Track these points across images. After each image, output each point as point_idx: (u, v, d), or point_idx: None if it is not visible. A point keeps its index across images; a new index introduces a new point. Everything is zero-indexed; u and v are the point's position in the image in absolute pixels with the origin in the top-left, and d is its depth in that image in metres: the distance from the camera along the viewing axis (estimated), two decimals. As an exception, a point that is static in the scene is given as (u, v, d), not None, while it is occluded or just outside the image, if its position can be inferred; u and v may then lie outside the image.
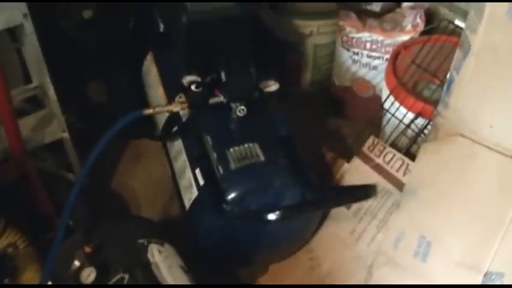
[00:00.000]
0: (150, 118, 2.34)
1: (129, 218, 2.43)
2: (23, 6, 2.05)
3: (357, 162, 2.38)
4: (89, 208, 2.35)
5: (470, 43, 1.84)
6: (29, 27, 2.10)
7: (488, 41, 1.80)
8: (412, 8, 2.86)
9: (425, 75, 2.43)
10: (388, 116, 2.46)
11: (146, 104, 2.51)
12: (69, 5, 2.59)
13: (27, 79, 2.37)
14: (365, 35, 2.77)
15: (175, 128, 2.27)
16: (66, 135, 2.40)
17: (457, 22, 2.63)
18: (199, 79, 2.12)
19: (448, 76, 2.02)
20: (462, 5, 2.66)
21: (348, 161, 2.41)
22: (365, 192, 2.05)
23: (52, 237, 2.00)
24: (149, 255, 1.88)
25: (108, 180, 2.65)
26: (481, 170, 1.91)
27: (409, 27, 2.73)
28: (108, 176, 2.66)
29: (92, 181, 2.17)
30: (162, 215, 2.49)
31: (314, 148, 2.51)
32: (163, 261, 1.88)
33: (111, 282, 1.79)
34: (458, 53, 1.93)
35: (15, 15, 2.05)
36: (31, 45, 2.16)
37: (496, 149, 1.85)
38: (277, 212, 1.92)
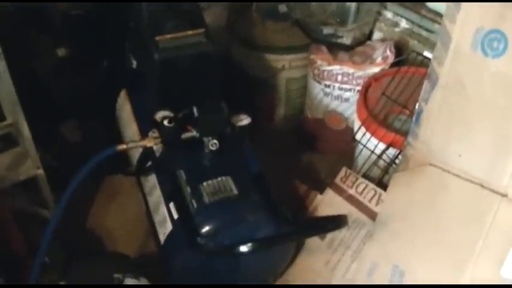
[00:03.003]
0: (124, 154, 2.35)
1: (104, 254, 2.43)
2: (-5, 46, 2.06)
3: (330, 193, 2.40)
4: (64, 245, 2.34)
5: (437, 75, 1.88)
6: (2, 66, 2.11)
7: (454, 73, 1.84)
8: (381, 40, 2.90)
9: (395, 106, 2.46)
10: (360, 147, 2.49)
11: (120, 141, 2.53)
12: (43, 42, 2.60)
13: (1, 117, 2.38)
14: (336, 68, 2.79)
15: (149, 164, 2.28)
16: (40, 172, 2.40)
17: (426, 53, 2.66)
18: (171, 114, 2.13)
19: (416, 107, 2.04)
20: (431, 36, 2.70)
21: (321, 193, 2.42)
22: (336, 222, 2.06)
23: (26, 276, 2.00)
24: (125, 290, 1.89)
25: (83, 217, 2.63)
26: (452, 199, 1.93)
27: (379, 59, 2.76)
28: (83, 212, 2.65)
29: (66, 218, 2.16)
30: (138, 251, 2.49)
31: (287, 181, 2.52)
32: (139, 295, 1.89)
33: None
34: (426, 85, 1.96)
35: (-12, 54, 2.07)
36: (4, 84, 2.16)
37: (465, 177, 1.88)
38: (249, 245, 1.92)
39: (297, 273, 2.31)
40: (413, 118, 2.05)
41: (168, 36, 2.17)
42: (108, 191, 2.74)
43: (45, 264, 2.11)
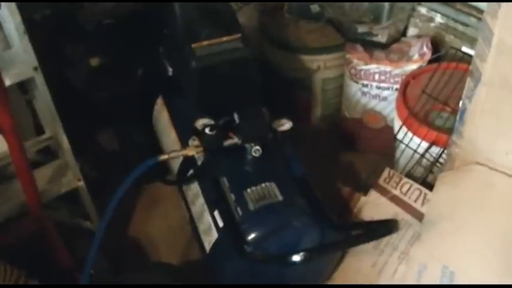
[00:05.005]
0: (164, 162, 2.34)
1: (150, 265, 2.43)
2: (33, 60, 2.06)
3: (374, 195, 2.37)
4: (109, 257, 2.35)
5: (480, 72, 1.85)
6: (39, 79, 2.11)
7: (498, 69, 1.81)
8: (417, 36, 2.87)
9: (436, 104, 2.43)
10: (402, 146, 2.46)
11: (159, 149, 2.52)
12: (76, 53, 2.60)
13: (39, 130, 2.38)
14: (373, 67, 2.77)
15: (191, 172, 2.27)
16: (81, 184, 2.40)
17: (464, 49, 2.62)
18: (212, 122, 2.12)
19: (460, 105, 2.01)
20: (467, 30, 2.66)
21: (365, 194, 2.39)
22: (387, 228, 2.04)
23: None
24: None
25: (126, 227, 2.64)
26: (499, 197, 1.91)
27: (416, 56, 2.73)
28: (125, 223, 2.66)
29: (109, 229, 2.16)
30: (181, 258, 2.49)
31: (329, 184, 2.50)
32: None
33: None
34: (469, 82, 1.93)
35: (26, 68, 2.06)
36: (42, 97, 2.17)
37: (513, 174, 1.86)
38: (301, 254, 1.91)
39: (344, 275, 2.29)
40: (457, 116, 2.02)
41: (205, 43, 2.15)
42: (148, 199, 2.75)
43: (92, 276, 2.11)
